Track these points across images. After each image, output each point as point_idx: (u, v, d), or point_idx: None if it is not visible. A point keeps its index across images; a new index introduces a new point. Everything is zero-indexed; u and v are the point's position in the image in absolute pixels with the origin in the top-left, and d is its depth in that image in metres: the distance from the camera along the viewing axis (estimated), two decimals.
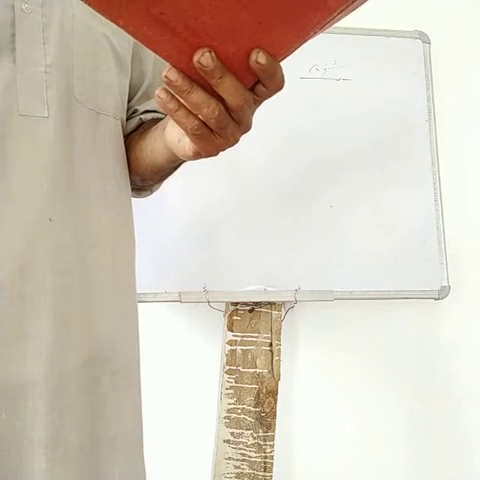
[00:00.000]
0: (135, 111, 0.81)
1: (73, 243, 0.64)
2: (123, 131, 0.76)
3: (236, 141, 0.52)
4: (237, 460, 1.44)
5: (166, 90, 0.47)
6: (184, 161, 0.67)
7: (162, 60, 0.43)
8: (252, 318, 1.47)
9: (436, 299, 1.47)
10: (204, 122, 0.48)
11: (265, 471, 1.45)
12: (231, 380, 1.45)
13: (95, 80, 0.68)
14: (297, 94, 1.44)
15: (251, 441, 1.45)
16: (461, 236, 1.60)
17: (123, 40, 0.72)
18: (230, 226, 1.41)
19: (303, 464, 1.60)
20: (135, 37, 0.41)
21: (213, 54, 0.42)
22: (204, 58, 0.42)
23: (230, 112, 0.47)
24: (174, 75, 0.44)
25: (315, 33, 0.41)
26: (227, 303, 1.46)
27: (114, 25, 0.40)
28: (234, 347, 1.46)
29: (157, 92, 0.47)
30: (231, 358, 1.45)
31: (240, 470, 1.44)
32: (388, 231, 1.47)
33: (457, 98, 1.65)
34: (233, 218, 1.42)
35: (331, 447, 1.62)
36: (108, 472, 0.67)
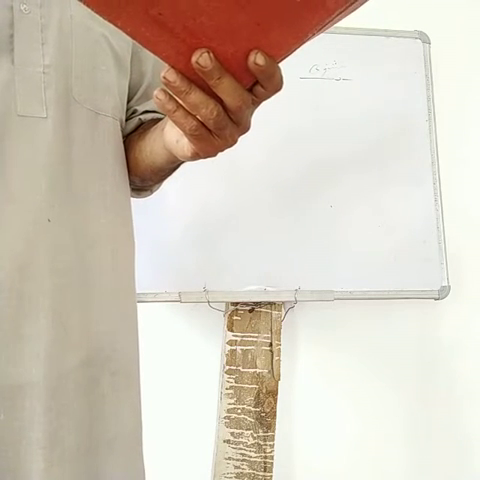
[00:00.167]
0: (134, 111, 0.81)
1: (72, 243, 0.64)
2: (122, 131, 0.76)
3: (234, 142, 0.52)
4: (237, 460, 1.45)
5: (164, 91, 0.46)
6: (183, 162, 0.67)
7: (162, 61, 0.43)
8: (252, 318, 1.47)
9: (436, 299, 1.47)
10: (202, 123, 0.48)
11: (265, 471, 1.45)
12: (231, 380, 1.45)
13: (94, 80, 0.68)
14: (297, 94, 1.44)
15: (251, 441, 1.45)
16: (461, 236, 1.59)
17: (122, 40, 0.72)
18: (230, 226, 1.41)
19: (303, 464, 1.60)
20: (133, 38, 0.41)
21: (211, 55, 0.42)
22: (202, 59, 0.42)
23: (228, 113, 0.47)
24: (172, 76, 0.44)
25: (314, 34, 0.41)
26: (227, 303, 1.46)
27: (113, 26, 0.40)
28: (234, 347, 1.46)
29: (155, 93, 0.47)
30: (231, 358, 1.45)
31: (240, 470, 1.44)
32: (388, 231, 1.47)
33: (457, 98, 1.65)
34: (233, 218, 1.42)
35: (331, 447, 1.62)
36: (106, 473, 0.67)
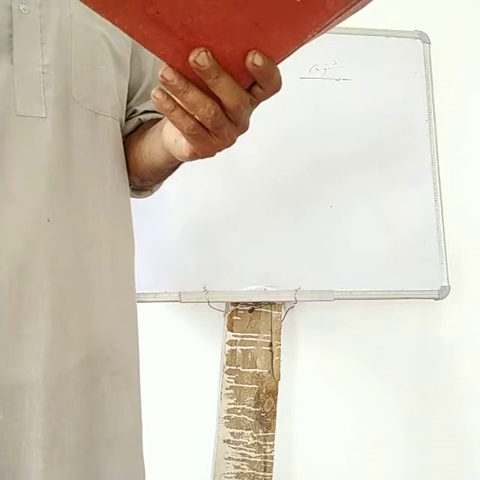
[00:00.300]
0: (134, 111, 0.81)
1: (71, 243, 0.64)
2: (122, 131, 0.76)
3: (233, 142, 0.52)
4: (237, 460, 1.44)
5: (162, 90, 0.46)
6: (182, 162, 0.67)
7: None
8: (252, 318, 1.47)
9: (436, 299, 1.47)
10: (200, 122, 0.48)
11: (265, 471, 1.45)
12: (231, 380, 1.45)
13: (93, 80, 0.68)
14: (297, 94, 1.44)
15: (251, 441, 1.45)
16: (461, 236, 1.59)
17: (122, 40, 0.72)
18: (230, 226, 1.41)
19: (303, 464, 1.60)
20: (131, 36, 0.41)
21: (209, 54, 0.41)
22: (200, 58, 0.41)
23: (226, 112, 0.47)
24: (170, 74, 0.44)
25: (313, 36, 0.41)
26: (227, 303, 1.46)
27: (112, 25, 0.40)
28: (234, 347, 1.46)
29: (153, 92, 0.47)
30: (231, 358, 1.45)
31: (240, 470, 1.44)
32: (388, 231, 1.47)
33: (457, 98, 1.65)
34: (233, 218, 1.42)
35: (331, 447, 1.61)
36: (106, 473, 0.67)
